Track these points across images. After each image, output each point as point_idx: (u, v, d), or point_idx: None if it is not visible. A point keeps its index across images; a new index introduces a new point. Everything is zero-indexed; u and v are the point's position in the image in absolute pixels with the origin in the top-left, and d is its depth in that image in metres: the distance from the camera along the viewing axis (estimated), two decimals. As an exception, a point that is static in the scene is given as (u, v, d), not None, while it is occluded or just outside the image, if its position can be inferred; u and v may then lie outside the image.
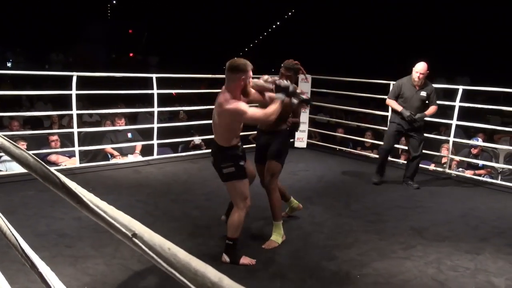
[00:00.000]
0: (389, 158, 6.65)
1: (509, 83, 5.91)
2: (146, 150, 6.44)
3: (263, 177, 3.74)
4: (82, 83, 5.55)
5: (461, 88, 5.99)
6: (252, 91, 3.23)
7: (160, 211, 4.27)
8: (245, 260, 3.24)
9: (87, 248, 3.33)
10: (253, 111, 3.12)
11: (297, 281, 3.01)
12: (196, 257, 0.76)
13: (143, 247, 0.76)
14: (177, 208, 4.36)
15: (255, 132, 3.98)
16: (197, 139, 7.22)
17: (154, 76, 6.17)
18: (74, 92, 5.41)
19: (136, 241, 0.77)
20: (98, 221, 0.87)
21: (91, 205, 0.87)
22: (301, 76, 7.37)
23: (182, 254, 0.71)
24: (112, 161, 6.26)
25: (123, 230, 0.79)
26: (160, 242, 0.74)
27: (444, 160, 6.46)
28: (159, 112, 6.36)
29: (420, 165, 6.72)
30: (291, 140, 7.72)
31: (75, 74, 5.39)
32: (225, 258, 3.24)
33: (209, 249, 3.46)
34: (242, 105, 3.04)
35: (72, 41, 19.41)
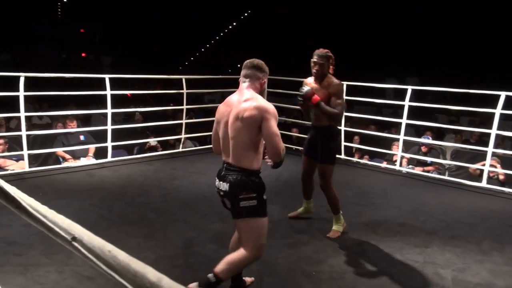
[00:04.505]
0: (344, 157, 6.84)
1: (455, 83, 6.21)
2: (100, 153, 6.28)
3: (307, 169, 4.03)
4: (31, 84, 5.34)
5: (410, 88, 6.23)
6: None
7: (115, 215, 4.18)
8: None
9: (38, 255, 3.21)
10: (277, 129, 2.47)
11: (254, 278, 3.03)
12: (153, 260, 0.76)
13: (83, 250, 0.75)
14: (132, 211, 4.28)
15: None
16: (153, 141, 7.10)
17: (107, 76, 6.03)
18: (22, 93, 5.21)
19: (76, 244, 0.76)
20: (38, 226, 0.85)
21: (30, 209, 0.85)
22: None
23: (122, 256, 0.70)
24: (64, 164, 6.06)
25: (63, 234, 0.77)
26: (100, 244, 0.73)
27: (395, 157, 6.70)
28: (113, 113, 6.22)
29: (373, 162, 6.96)
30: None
31: (22, 75, 5.19)
32: None
33: (165, 251, 3.41)
34: (274, 110, 2.50)
35: (20, 40, 18.62)
